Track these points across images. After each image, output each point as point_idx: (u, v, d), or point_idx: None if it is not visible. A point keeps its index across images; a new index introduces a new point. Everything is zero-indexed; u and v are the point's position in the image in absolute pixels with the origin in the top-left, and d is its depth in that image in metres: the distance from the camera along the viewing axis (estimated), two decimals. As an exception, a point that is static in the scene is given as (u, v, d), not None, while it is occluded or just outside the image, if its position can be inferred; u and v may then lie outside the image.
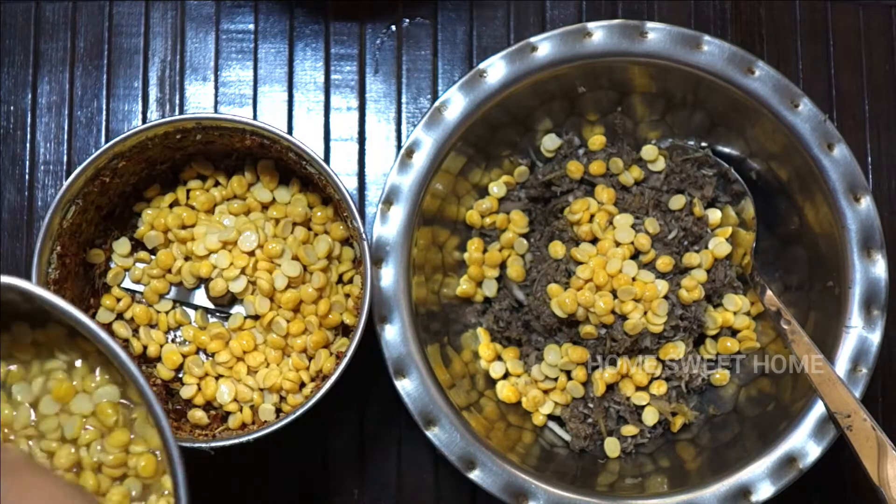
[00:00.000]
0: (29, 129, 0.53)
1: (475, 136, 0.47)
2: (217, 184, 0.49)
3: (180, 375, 0.47)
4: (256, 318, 0.47)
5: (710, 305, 0.48)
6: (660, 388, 0.47)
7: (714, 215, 0.49)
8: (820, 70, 0.53)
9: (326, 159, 0.53)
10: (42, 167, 0.52)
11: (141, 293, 0.48)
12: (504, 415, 0.47)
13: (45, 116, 0.53)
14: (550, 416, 0.48)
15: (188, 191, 0.49)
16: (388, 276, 0.44)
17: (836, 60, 0.54)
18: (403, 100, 0.53)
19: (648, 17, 0.53)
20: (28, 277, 0.41)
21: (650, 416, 0.47)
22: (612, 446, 0.47)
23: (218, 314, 0.48)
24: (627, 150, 0.49)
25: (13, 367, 0.39)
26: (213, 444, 0.41)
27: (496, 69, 0.46)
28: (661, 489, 0.44)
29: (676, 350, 0.47)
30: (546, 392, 0.48)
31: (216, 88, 0.53)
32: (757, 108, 0.46)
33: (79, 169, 0.43)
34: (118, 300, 0.48)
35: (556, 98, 0.48)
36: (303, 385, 0.46)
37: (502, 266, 0.49)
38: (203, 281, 0.47)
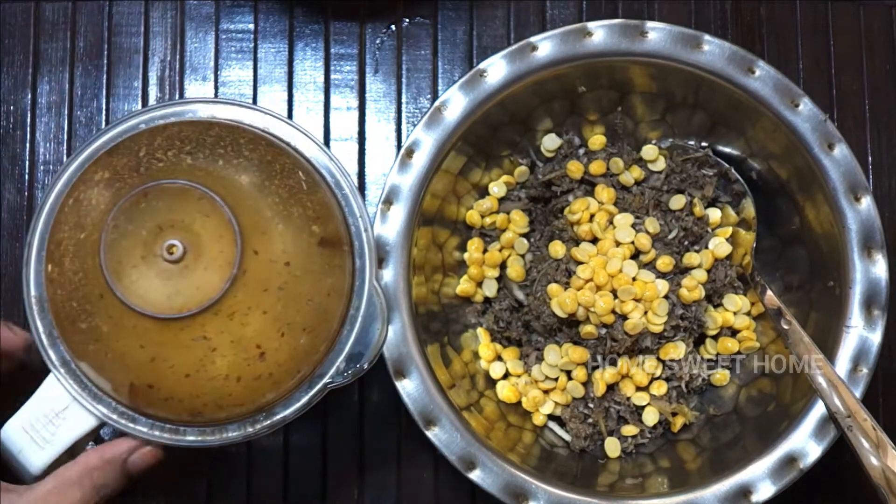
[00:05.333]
0: (28, 128, 0.53)
1: (475, 136, 0.47)
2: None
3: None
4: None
5: (710, 305, 0.48)
6: (660, 388, 0.47)
7: (714, 215, 0.49)
8: (820, 70, 0.53)
9: (326, 159, 0.53)
10: (42, 167, 0.52)
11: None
12: (504, 415, 0.47)
13: (44, 116, 0.53)
14: (551, 417, 0.48)
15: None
16: (388, 276, 0.44)
17: (837, 60, 0.54)
18: (403, 100, 0.53)
19: (649, 17, 0.53)
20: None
21: (650, 417, 0.47)
22: (612, 446, 0.47)
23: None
24: (628, 150, 0.49)
25: None
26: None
27: (496, 69, 0.46)
28: (661, 489, 0.44)
29: (677, 350, 0.47)
30: (546, 392, 0.48)
31: (216, 88, 0.53)
32: (757, 107, 0.46)
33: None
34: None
35: (556, 98, 0.48)
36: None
37: (502, 266, 0.49)
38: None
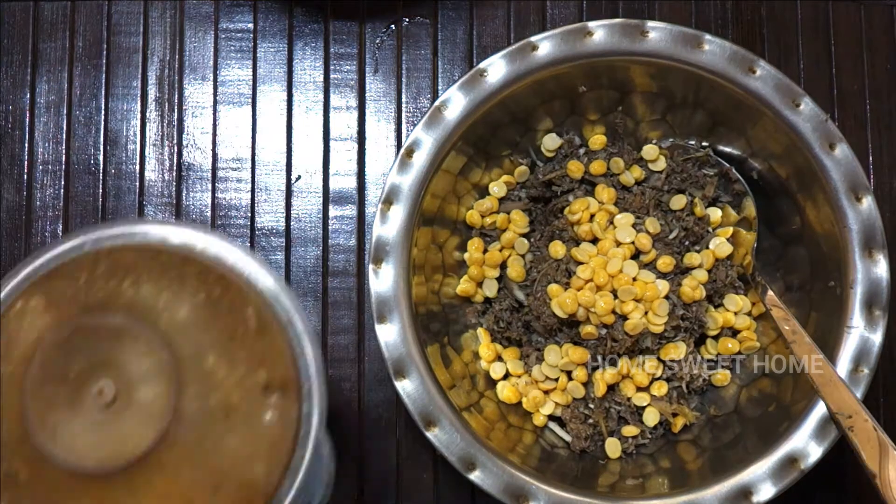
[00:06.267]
0: (27, 128, 0.52)
1: (475, 136, 0.47)
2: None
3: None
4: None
5: (710, 305, 0.48)
6: (660, 388, 0.47)
7: (715, 214, 0.49)
8: (821, 69, 0.53)
9: (326, 159, 0.52)
10: (41, 167, 0.52)
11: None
12: (504, 415, 0.47)
13: (43, 116, 0.52)
14: (551, 417, 0.48)
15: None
16: (388, 276, 0.44)
17: (838, 60, 0.53)
18: (403, 99, 0.53)
19: (649, 17, 0.53)
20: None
21: (651, 417, 0.47)
22: (612, 447, 0.47)
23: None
24: (628, 150, 0.49)
25: None
26: None
27: (496, 68, 0.46)
28: (661, 490, 0.44)
29: (677, 350, 0.46)
30: (546, 392, 0.48)
31: (215, 88, 0.53)
32: (758, 107, 0.45)
33: None
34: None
35: (556, 97, 0.48)
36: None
37: (502, 266, 0.49)
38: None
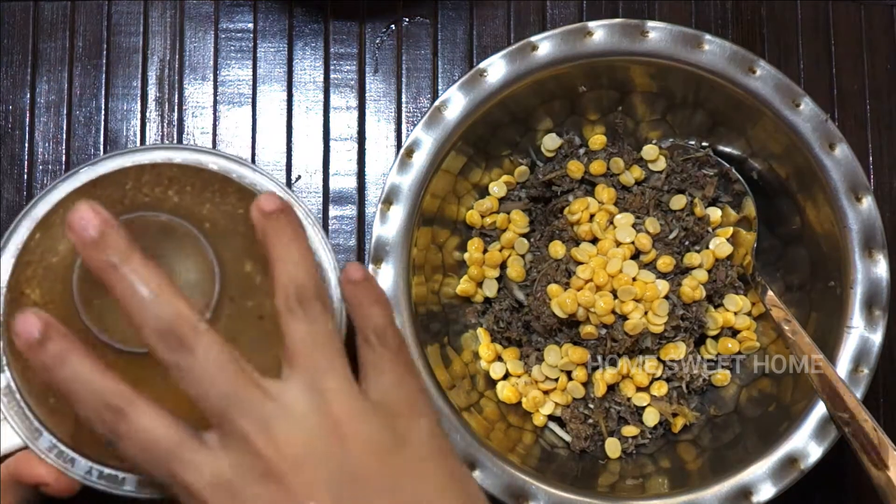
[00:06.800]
0: (27, 128, 0.52)
1: (475, 136, 0.47)
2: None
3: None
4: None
5: (710, 306, 0.48)
6: (660, 388, 0.47)
7: (715, 214, 0.49)
8: (821, 69, 0.53)
9: (326, 159, 0.52)
10: (41, 167, 0.52)
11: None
12: (504, 415, 0.47)
13: (43, 116, 0.52)
14: (551, 417, 0.48)
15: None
16: (388, 276, 0.44)
17: (838, 60, 0.53)
18: (403, 99, 0.53)
19: (649, 17, 0.53)
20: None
21: (651, 417, 0.47)
22: (612, 447, 0.47)
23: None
24: (628, 150, 0.49)
25: None
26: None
27: (496, 68, 0.46)
28: (661, 490, 0.44)
29: (677, 350, 0.46)
30: (546, 393, 0.48)
31: (215, 87, 0.53)
32: (758, 107, 0.45)
33: None
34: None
35: (556, 97, 0.48)
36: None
37: (502, 266, 0.49)
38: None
